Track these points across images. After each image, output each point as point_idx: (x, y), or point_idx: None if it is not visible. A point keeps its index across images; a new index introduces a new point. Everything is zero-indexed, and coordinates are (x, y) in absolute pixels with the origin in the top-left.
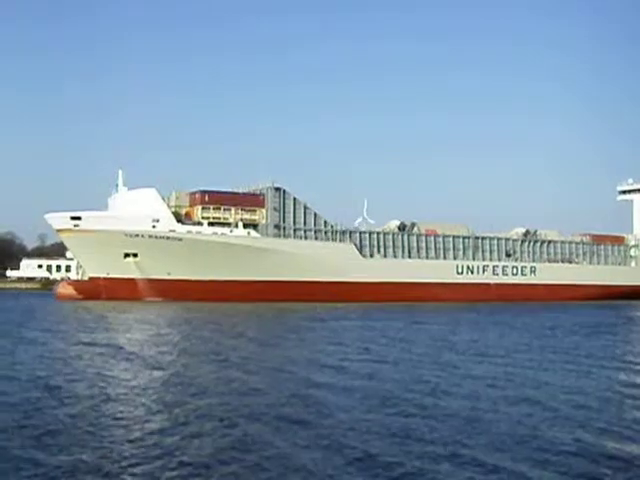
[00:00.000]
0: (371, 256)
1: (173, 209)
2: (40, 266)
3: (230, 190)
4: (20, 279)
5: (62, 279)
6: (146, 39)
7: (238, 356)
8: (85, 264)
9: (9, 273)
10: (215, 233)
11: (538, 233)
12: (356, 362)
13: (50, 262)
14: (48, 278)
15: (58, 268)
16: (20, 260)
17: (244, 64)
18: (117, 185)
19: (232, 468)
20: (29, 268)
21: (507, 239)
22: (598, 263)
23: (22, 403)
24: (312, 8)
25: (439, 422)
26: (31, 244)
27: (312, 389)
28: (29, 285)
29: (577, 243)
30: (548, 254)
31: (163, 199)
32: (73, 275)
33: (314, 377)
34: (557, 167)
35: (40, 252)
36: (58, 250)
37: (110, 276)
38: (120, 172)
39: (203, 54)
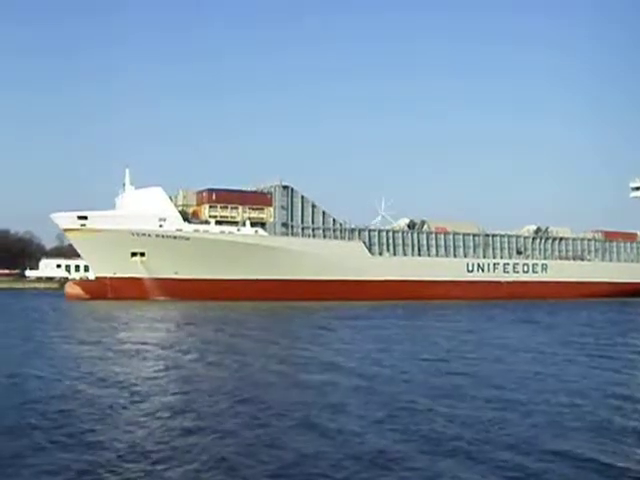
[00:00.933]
0: (380, 254)
1: (180, 208)
2: (59, 266)
3: (237, 188)
4: (39, 279)
5: (80, 279)
6: (150, 39)
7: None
8: (92, 264)
9: (28, 273)
10: (222, 232)
11: (549, 230)
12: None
13: (69, 262)
14: (67, 278)
15: (77, 268)
16: (39, 260)
17: (251, 62)
18: (124, 184)
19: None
20: (48, 268)
21: (518, 236)
22: (610, 260)
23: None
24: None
25: None
26: (50, 244)
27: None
28: (48, 285)
29: (589, 240)
30: (559, 251)
31: (171, 198)
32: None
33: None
34: (564, 165)
35: (59, 252)
36: (76, 250)
37: (117, 275)
38: (127, 171)
39: (210, 54)
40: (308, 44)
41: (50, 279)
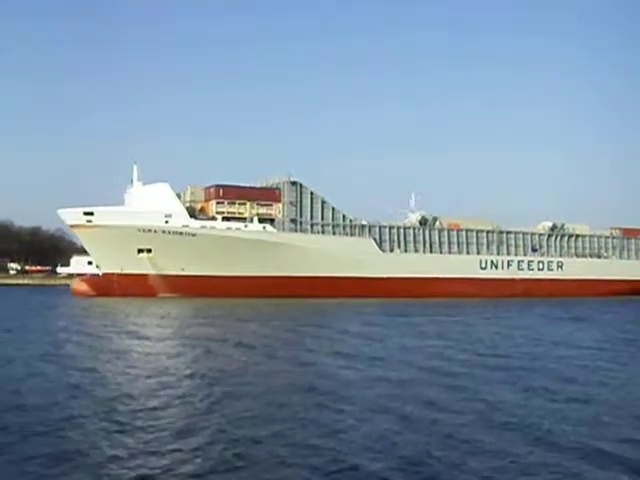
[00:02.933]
0: (391, 251)
1: (188, 204)
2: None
3: (246, 184)
4: (70, 275)
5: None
6: (152, 32)
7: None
8: (99, 260)
9: (60, 270)
10: (229, 228)
11: (566, 227)
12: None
13: None
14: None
15: None
16: (70, 257)
17: (265, 55)
18: (132, 180)
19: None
20: (79, 264)
21: (533, 233)
22: (629, 258)
23: None
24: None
25: None
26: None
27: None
28: None
29: (607, 237)
30: (576, 249)
31: (179, 194)
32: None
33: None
34: (581, 160)
35: None
36: None
37: (124, 272)
38: (135, 167)
39: (218, 47)
40: (309, 39)
41: (81, 275)
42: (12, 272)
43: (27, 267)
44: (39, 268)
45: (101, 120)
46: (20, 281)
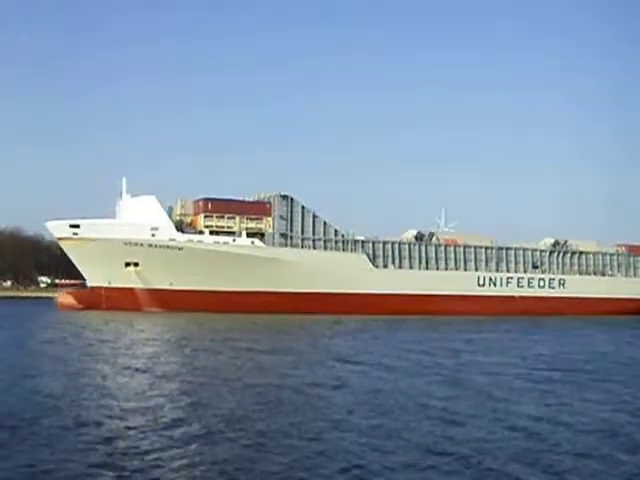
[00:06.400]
0: (385, 267)
1: (178, 217)
2: None
3: (235, 198)
4: None
5: None
6: (147, 50)
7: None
8: (86, 273)
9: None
10: (217, 242)
11: (569, 244)
12: None
13: None
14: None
15: None
16: None
17: (249, 74)
18: (121, 192)
19: None
20: None
21: (534, 250)
22: (635, 275)
23: None
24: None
25: None
26: None
27: None
28: None
29: (612, 254)
30: (579, 266)
31: (171, 207)
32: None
33: None
34: (583, 177)
35: None
36: None
37: (112, 285)
38: (124, 180)
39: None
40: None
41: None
42: (42, 285)
43: (57, 280)
44: (69, 282)
45: (101, 132)
46: (50, 294)
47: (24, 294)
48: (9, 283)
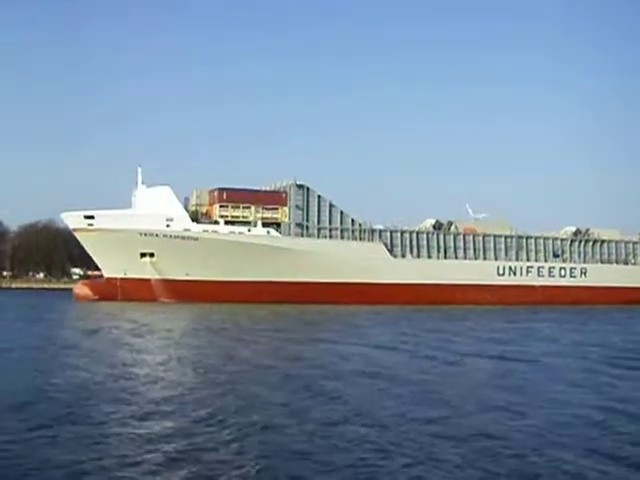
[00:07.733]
0: (403, 256)
1: (194, 208)
2: None
3: (250, 188)
4: None
5: None
6: (158, 45)
7: None
8: (102, 264)
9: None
10: (232, 232)
11: (590, 232)
12: None
13: None
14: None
15: None
16: None
17: (255, 70)
18: (137, 183)
19: None
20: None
21: (555, 238)
22: None
23: None
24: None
25: None
26: None
27: None
28: None
29: (635, 243)
30: (602, 254)
31: (187, 198)
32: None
33: None
34: (606, 164)
35: None
36: None
37: (127, 276)
38: (139, 170)
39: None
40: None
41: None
42: (75, 277)
43: (89, 272)
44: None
45: (119, 124)
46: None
47: (55, 285)
48: (42, 275)
